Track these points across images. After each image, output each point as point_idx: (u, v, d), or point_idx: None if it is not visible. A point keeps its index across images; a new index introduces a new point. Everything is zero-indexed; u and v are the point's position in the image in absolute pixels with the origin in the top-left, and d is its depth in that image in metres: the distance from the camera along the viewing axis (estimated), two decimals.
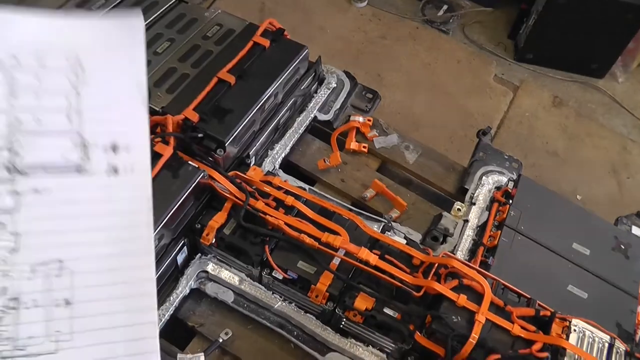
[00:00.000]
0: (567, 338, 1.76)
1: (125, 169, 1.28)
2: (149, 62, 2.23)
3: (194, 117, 2.02)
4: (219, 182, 1.98)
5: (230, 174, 2.04)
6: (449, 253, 1.97)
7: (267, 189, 2.05)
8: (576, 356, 1.73)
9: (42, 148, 1.17)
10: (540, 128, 3.28)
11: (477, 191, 2.31)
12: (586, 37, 3.55)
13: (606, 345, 1.79)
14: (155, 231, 1.75)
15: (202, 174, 1.91)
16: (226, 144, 2.01)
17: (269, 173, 2.18)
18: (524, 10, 3.76)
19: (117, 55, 1.04)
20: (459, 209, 2.26)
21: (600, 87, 3.66)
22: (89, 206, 1.22)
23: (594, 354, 1.75)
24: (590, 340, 1.78)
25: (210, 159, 2.03)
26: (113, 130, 1.23)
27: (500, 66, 3.64)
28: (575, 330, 1.78)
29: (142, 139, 1.30)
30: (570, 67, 3.72)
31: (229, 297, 1.99)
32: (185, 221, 1.95)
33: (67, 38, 0.97)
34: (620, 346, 1.80)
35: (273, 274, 1.92)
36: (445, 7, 4.03)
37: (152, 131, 2.06)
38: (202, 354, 1.88)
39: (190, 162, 1.94)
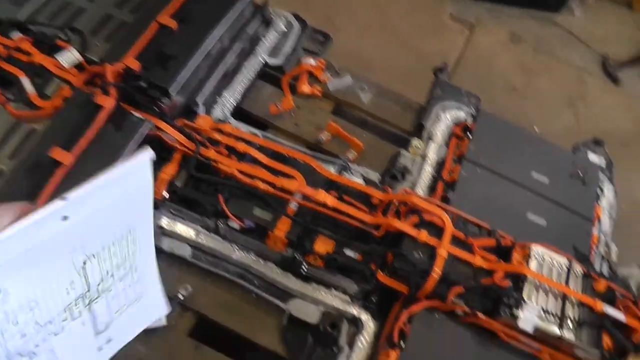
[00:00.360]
0: (528, 265, 1.78)
1: None
2: (82, 10, 2.17)
3: (135, 65, 1.95)
4: (166, 133, 1.92)
5: (177, 123, 1.98)
6: (408, 190, 1.95)
7: (218, 136, 2.00)
8: (537, 282, 1.75)
9: None
10: (498, 65, 3.27)
11: (434, 127, 2.29)
12: None
13: (565, 268, 1.82)
14: None
15: (148, 125, 1.85)
16: (171, 92, 1.95)
17: (219, 121, 2.12)
18: None
19: None
20: (417, 146, 2.24)
21: (557, 22, 3.65)
22: None
23: (554, 278, 1.78)
24: (550, 265, 1.82)
25: (156, 108, 1.96)
26: None
27: (455, 4, 3.60)
28: (535, 257, 1.80)
29: None
30: (527, 2, 3.69)
31: (186, 252, 1.94)
32: None
33: None
34: (578, 268, 1.84)
35: (229, 223, 1.89)
36: None
37: (91, 82, 1.98)
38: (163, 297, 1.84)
39: (134, 113, 1.88)
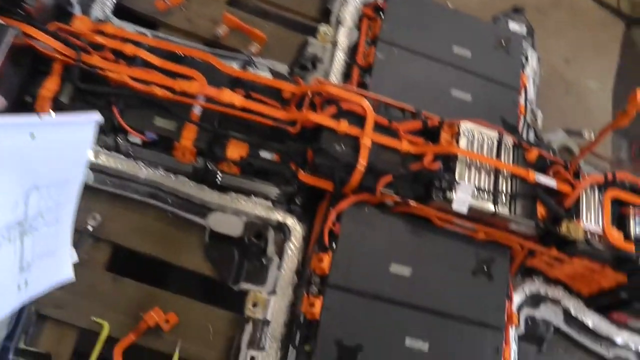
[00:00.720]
0: (458, 144, 1.70)
1: None
2: None
3: None
4: (39, 41, 1.66)
5: (50, 27, 1.72)
6: (321, 79, 1.80)
7: (101, 39, 1.76)
8: (468, 160, 1.68)
9: None
10: None
11: (342, 10, 2.13)
12: None
13: (495, 142, 1.77)
14: None
15: (13, 31, 1.58)
16: None
17: (99, 22, 1.87)
18: None
19: None
20: (325, 33, 2.08)
21: None
22: None
23: (485, 153, 1.73)
24: (480, 140, 1.76)
25: (20, 11, 1.68)
26: None
27: None
28: (464, 134, 1.73)
29: None
30: None
31: (88, 178, 1.74)
32: (10, 95, 1.64)
33: None
34: (508, 140, 1.79)
35: (129, 138, 1.70)
36: None
37: None
38: (72, 249, 1.66)
39: None
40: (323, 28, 2.09)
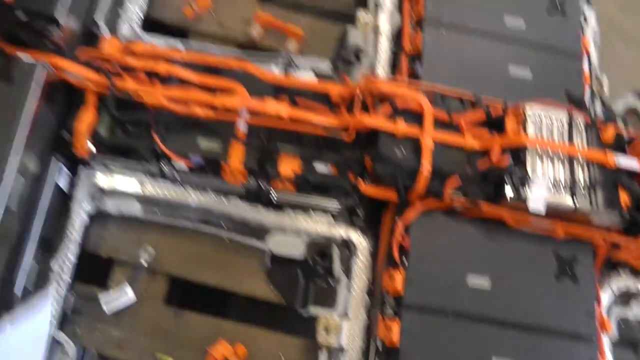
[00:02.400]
0: (525, 131, 1.53)
1: None
2: None
3: None
4: (69, 71, 1.56)
5: (80, 55, 1.62)
6: (370, 75, 1.65)
7: (132, 61, 1.64)
8: (539, 149, 1.52)
9: None
10: None
11: None
12: None
13: (565, 124, 1.60)
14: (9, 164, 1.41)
15: (44, 67, 1.50)
16: (58, 17, 1.54)
17: (127, 41, 1.75)
18: None
19: None
20: (365, 20, 1.92)
21: None
22: None
23: (555, 138, 1.56)
24: (549, 124, 1.58)
25: (47, 42, 1.57)
26: None
27: None
28: (531, 119, 1.56)
29: None
30: None
31: (135, 209, 1.65)
32: (48, 135, 1.57)
33: None
34: (579, 119, 1.62)
35: (174, 164, 1.59)
36: None
37: None
38: (127, 285, 1.58)
39: (23, 55, 1.51)
40: (362, 15, 1.92)
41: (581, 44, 1.90)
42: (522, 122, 1.56)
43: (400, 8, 1.93)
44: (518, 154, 1.52)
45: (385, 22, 1.90)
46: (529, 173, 1.49)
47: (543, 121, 1.57)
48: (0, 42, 1.54)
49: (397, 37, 1.89)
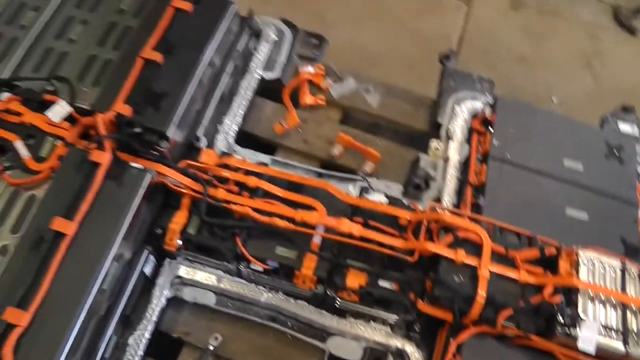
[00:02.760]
0: (578, 274, 1.62)
1: None
2: (65, 54, 2.01)
3: (127, 110, 1.78)
4: (170, 177, 1.78)
5: (181, 164, 1.83)
6: (436, 205, 1.80)
7: (225, 172, 1.85)
8: (591, 292, 1.59)
9: None
10: (502, 36, 3.06)
11: (452, 124, 2.12)
12: None
13: (618, 272, 1.66)
14: (111, 253, 1.59)
15: (150, 174, 1.70)
16: (168, 133, 1.77)
17: (223, 153, 1.96)
18: None
19: None
20: (436, 148, 2.07)
21: None
22: None
23: (607, 285, 1.63)
24: (601, 270, 1.65)
25: (155, 153, 1.80)
26: None
27: None
28: (584, 263, 1.64)
29: None
30: None
31: (210, 300, 1.82)
32: (144, 230, 1.76)
33: None
34: (632, 268, 1.67)
35: (251, 266, 1.75)
36: None
37: (86, 136, 1.82)
38: None
39: (134, 164, 1.74)
40: (434, 143, 2.07)
41: (636, 191, 1.97)
42: (575, 265, 1.63)
43: (469, 140, 2.06)
44: (570, 294, 1.59)
45: (455, 153, 2.04)
46: (580, 314, 1.56)
47: (596, 266, 1.64)
48: (117, 150, 1.77)
49: (464, 167, 2.00)
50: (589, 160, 1.99)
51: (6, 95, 1.94)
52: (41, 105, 1.91)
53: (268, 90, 2.26)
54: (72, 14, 2.16)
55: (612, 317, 1.58)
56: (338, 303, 1.75)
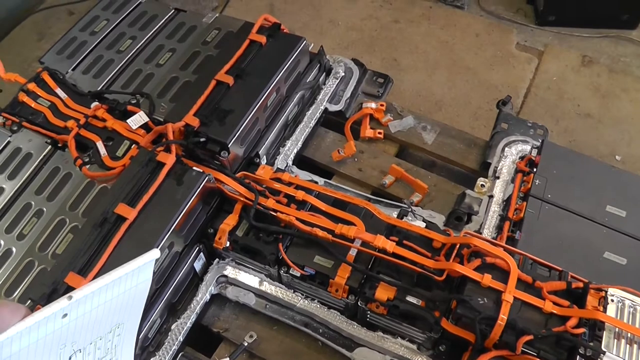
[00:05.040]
0: (605, 310, 1.58)
1: None
2: (151, 75, 2.23)
3: (195, 122, 1.95)
4: (227, 185, 1.90)
5: (238, 175, 1.96)
6: (469, 232, 1.82)
7: (277, 186, 1.96)
8: (616, 329, 1.56)
9: None
10: (570, 91, 3.05)
11: (500, 164, 2.14)
12: None
13: None
14: (163, 239, 1.72)
15: (207, 177, 1.84)
16: (229, 145, 1.93)
17: (279, 170, 2.08)
18: None
19: None
20: (482, 185, 2.10)
21: (633, 38, 3.35)
22: None
23: (637, 324, 1.57)
24: (631, 309, 1.60)
25: (216, 162, 1.95)
26: None
27: (522, 33, 3.41)
28: (613, 301, 1.60)
29: None
30: (598, 22, 3.40)
31: (250, 300, 1.91)
32: (197, 227, 1.89)
33: None
34: None
35: (290, 271, 1.83)
36: None
37: (156, 141, 2.01)
38: (228, 359, 1.81)
39: (194, 168, 1.88)
40: (481, 181, 2.10)
41: None
42: (604, 301, 1.60)
43: (514, 179, 2.07)
44: (595, 329, 1.55)
45: (500, 191, 2.06)
46: (603, 348, 1.51)
47: (626, 305, 1.59)
48: (183, 156, 1.94)
49: (506, 204, 2.02)
50: (633, 208, 1.95)
51: (95, 104, 2.18)
52: (124, 115, 2.13)
53: (331, 121, 2.38)
54: (162, 43, 2.42)
55: (637, 356, 1.52)
56: (369, 316, 1.80)
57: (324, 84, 2.39)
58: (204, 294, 1.89)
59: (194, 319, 1.86)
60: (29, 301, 1.69)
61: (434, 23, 3.43)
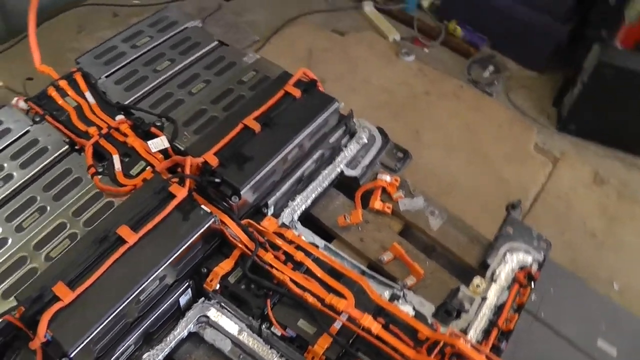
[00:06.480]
0: None
1: None
2: (181, 101, 2.26)
3: (214, 161, 1.98)
4: (230, 229, 1.92)
5: (243, 222, 1.98)
6: (456, 332, 1.83)
7: (279, 241, 1.98)
8: None
9: None
10: (579, 205, 3.09)
11: (499, 268, 2.15)
12: (632, 114, 3.36)
13: None
14: (158, 270, 1.73)
15: (213, 219, 1.86)
16: (242, 192, 1.95)
17: (284, 225, 2.10)
18: (570, 79, 3.61)
19: None
20: (478, 285, 2.11)
21: None
22: None
23: None
24: None
25: (225, 204, 1.97)
26: None
27: (542, 134, 3.48)
28: None
29: None
30: (614, 143, 3.51)
31: (225, 346, 1.90)
32: (191, 264, 1.90)
33: None
34: None
35: (272, 329, 1.83)
36: (491, 67, 3.95)
37: (173, 170, 2.03)
38: None
39: (203, 207, 1.90)
40: (477, 280, 2.10)
41: None
42: None
43: (510, 288, 2.07)
44: None
45: (494, 295, 2.05)
46: None
47: None
48: (194, 191, 1.96)
49: (497, 310, 2.02)
50: (625, 349, 1.94)
51: (121, 117, 2.21)
52: (145, 135, 2.16)
53: (344, 185, 2.40)
54: (199, 72, 2.46)
55: None
56: None
57: (345, 146, 2.41)
58: (182, 330, 1.88)
59: (167, 352, 1.85)
60: (14, 300, 1.71)
61: (462, 102, 3.51)
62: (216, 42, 2.59)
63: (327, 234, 2.27)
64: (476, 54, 4.02)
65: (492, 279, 2.13)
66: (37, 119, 2.29)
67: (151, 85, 2.39)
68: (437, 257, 2.33)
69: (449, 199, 2.92)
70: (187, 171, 1.92)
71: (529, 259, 2.18)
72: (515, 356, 1.85)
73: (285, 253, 1.96)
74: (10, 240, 1.95)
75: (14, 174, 2.12)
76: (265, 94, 2.22)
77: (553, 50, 3.86)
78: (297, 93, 2.23)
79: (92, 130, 2.19)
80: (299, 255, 1.93)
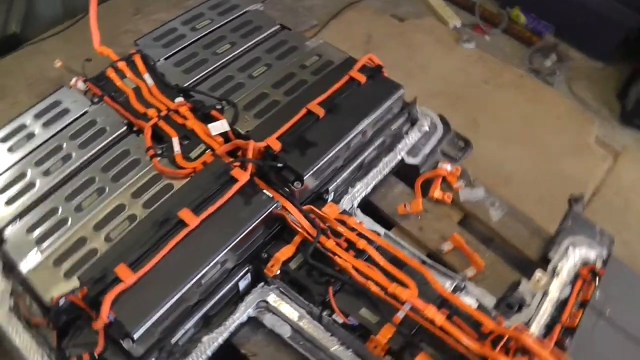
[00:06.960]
0: None
1: None
2: (241, 85, 2.25)
3: (277, 145, 1.97)
4: (292, 214, 1.92)
5: (305, 207, 1.98)
6: (522, 326, 1.80)
7: (341, 228, 1.97)
8: None
9: None
10: (638, 203, 3.00)
11: (561, 263, 2.10)
12: None
13: None
14: (220, 255, 1.74)
15: (275, 204, 1.86)
16: (304, 178, 1.94)
17: (345, 212, 2.09)
18: (638, 70, 3.50)
19: None
20: (539, 279, 2.07)
21: None
22: None
23: None
24: None
25: (287, 189, 1.97)
26: None
27: (603, 128, 3.38)
28: None
29: None
30: None
31: (285, 332, 1.90)
32: (252, 248, 1.91)
33: None
34: None
35: (334, 316, 1.83)
36: (554, 57, 3.84)
37: (233, 154, 2.03)
38: None
39: (264, 191, 1.90)
40: (539, 274, 2.06)
41: None
42: None
43: (573, 283, 2.03)
44: None
45: (556, 290, 2.01)
46: None
47: None
48: (256, 175, 1.96)
49: (560, 306, 1.98)
50: None
51: (180, 99, 2.21)
52: (205, 117, 2.16)
53: (404, 173, 2.38)
54: (260, 56, 2.44)
55: None
56: None
57: (406, 133, 2.39)
58: (241, 314, 1.89)
59: (226, 336, 1.86)
60: (76, 279, 1.73)
61: (521, 93, 3.43)
62: (278, 26, 2.58)
63: (385, 223, 2.25)
64: (539, 42, 3.92)
65: (554, 273, 2.08)
66: (96, 100, 2.31)
67: (211, 68, 2.40)
68: (496, 248, 2.29)
69: (506, 191, 2.85)
70: (250, 155, 1.92)
71: (591, 254, 2.13)
72: (579, 353, 1.81)
73: (347, 240, 1.94)
74: (70, 221, 1.98)
75: (73, 154, 2.15)
76: (329, 79, 2.21)
77: (622, 40, 3.74)
78: (362, 78, 2.21)
79: (151, 112, 2.20)
80: (361, 243, 1.92)
